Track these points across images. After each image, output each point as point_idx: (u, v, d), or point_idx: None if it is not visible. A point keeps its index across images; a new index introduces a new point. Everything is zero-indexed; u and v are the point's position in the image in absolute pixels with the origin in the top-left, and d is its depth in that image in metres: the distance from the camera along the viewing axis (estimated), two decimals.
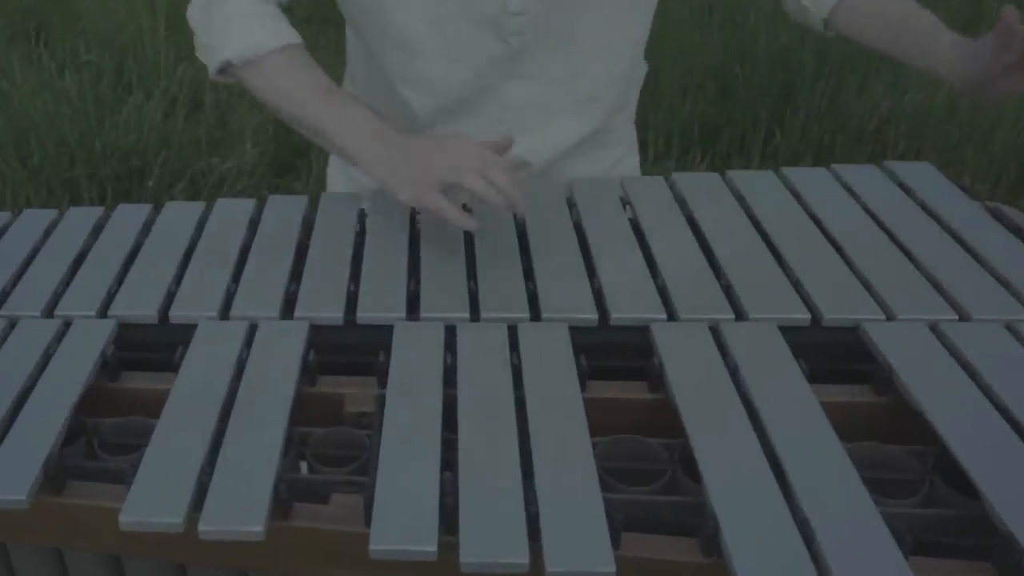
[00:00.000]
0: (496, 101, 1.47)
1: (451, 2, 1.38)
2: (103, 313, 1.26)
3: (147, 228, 1.46)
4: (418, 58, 1.43)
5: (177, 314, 1.24)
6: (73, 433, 1.09)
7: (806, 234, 1.37)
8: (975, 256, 1.31)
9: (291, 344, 1.17)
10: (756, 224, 1.40)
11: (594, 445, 1.01)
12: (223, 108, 4.22)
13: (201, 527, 0.92)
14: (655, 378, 1.13)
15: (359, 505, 0.95)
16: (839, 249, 1.33)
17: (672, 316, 1.20)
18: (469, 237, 1.37)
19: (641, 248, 1.35)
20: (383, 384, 1.11)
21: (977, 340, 1.14)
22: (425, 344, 1.16)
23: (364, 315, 1.22)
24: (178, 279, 1.32)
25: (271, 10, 1.39)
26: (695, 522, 0.93)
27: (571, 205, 1.46)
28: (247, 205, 1.49)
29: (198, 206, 1.50)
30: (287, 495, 0.97)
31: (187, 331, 1.20)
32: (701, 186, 1.50)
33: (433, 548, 0.88)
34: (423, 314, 1.22)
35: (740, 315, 1.20)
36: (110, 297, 1.28)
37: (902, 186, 1.49)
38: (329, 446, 1.08)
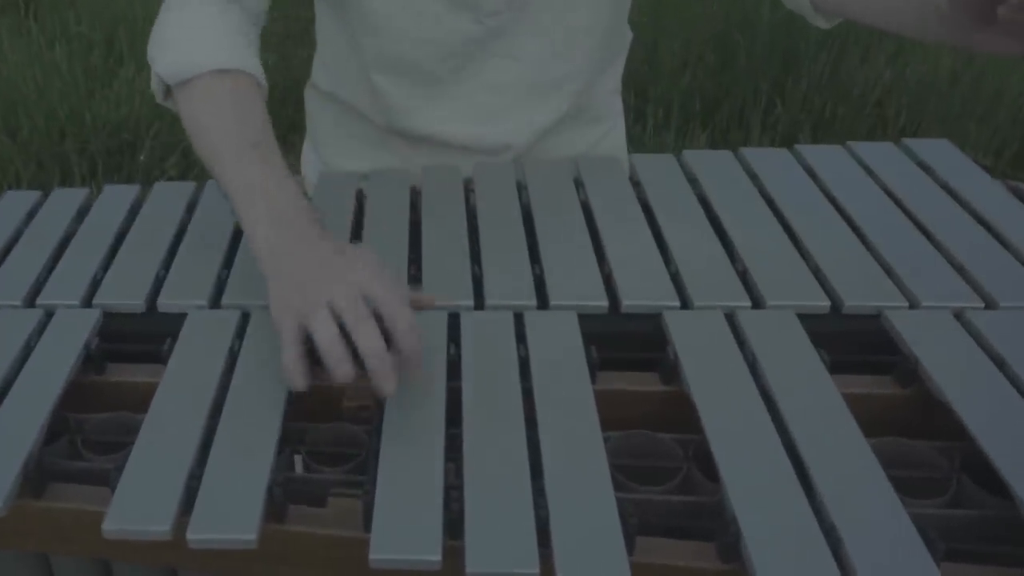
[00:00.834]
0: (474, 82, 1.41)
1: None
2: (87, 302, 1.21)
3: (135, 211, 1.40)
4: (393, 42, 1.37)
5: (165, 303, 1.20)
6: (55, 430, 1.04)
7: (823, 215, 1.32)
8: (999, 239, 1.26)
9: None
10: (771, 205, 1.35)
11: (604, 441, 0.96)
12: None
13: (190, 535, 0.86)
14: (668, 369, 1.08)
15: (357, 509, 0.91)
16: (858, 231, 1.28)
17: (686, 303, 1.15)
18: (472, 218, 1.33)
19: (652, 231, 1.30)
20: None
21: (1005, 329, 1.10)
22: (427, 334, 1.10)
23: None
24: (167, 265, 1.27)
25: (226, 22, 1.22)
26: (713, 525, 0.88)
27: (578, 184, 1.41)
28: None
29: (188, 187, 1.45)
30: (282, 498, 0.92)
31: (176, 321, 1.15)
32: (713, 164, 1.45)
33: (437, 557, 0.84)
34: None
35: (757, 302, 1.15)
36: (95, 285, 1.23)
37: (921, 164, 1.45)
38: (326, 443, 1.03)
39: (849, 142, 1.51)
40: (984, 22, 1.02)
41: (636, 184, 1.41)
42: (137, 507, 0.89)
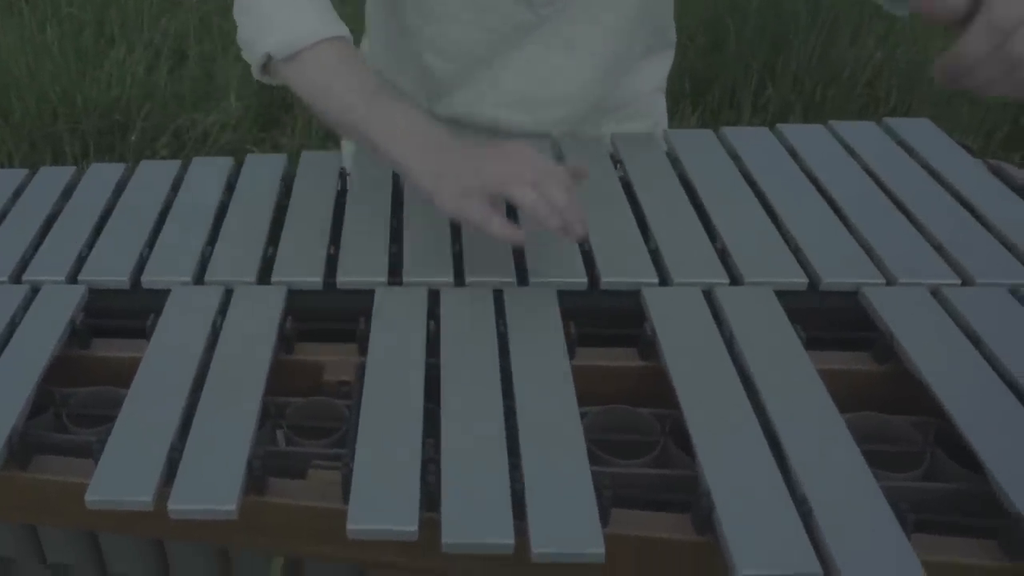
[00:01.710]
0: (521, 69, 1.43)
1: None
2: (73, 278, 1.22)
3: (120, 188, 1.42)
4: (443, 22, 1.39)
5: (150, 279, 1.21)
6: (41, 404, 1.05)
7: (803, 194, 1.33)
8: (978, 217, 1.27)
9: (268, 310, 1.14)
10: (751, 183, 1.36)
11: (582, 415, 0.98)
12: (207, 61, 4.18)
13: (171, 506, 0.88)
14: (646, 345, 1.09)
15: (337, 480, 0.92)
16: (837, 210, 1.29)
17: (664, 280, 1.17)
18: None
19: (632, 208, 1.31)
20: (364, 352, 1.07)
21: (981, 305, 1.11)
22: (407, 310, 1.12)
23: (344, 279, 1.18)
24: (151, 242, 1.28)
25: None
26: (687, 498, 0.90)
27: (560, 163, 1.41)
28: (224, 164, 1.45)
29: (173, 165, 1.47)
30: (261, 470, 0.93)
31: (160, 297, 1.17)
32: (694, 143, 1.46)
33: (414, 528, 0.85)
34: (406, 278, 1.18)
35: (735, 279, 1.16)
36: (80, 261, 1.25)
37: (902, 144, 1.45)
38: (307, 417, 1.05)
39: (831, 121, 1.52)
40: None
41: (618, 163, 1.42)
42: (119, 478, 0.91)
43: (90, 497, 0.89)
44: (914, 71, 3.88)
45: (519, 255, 1.21)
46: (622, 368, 1.10)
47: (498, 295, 1.14)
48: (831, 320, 1.13)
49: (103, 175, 1.45)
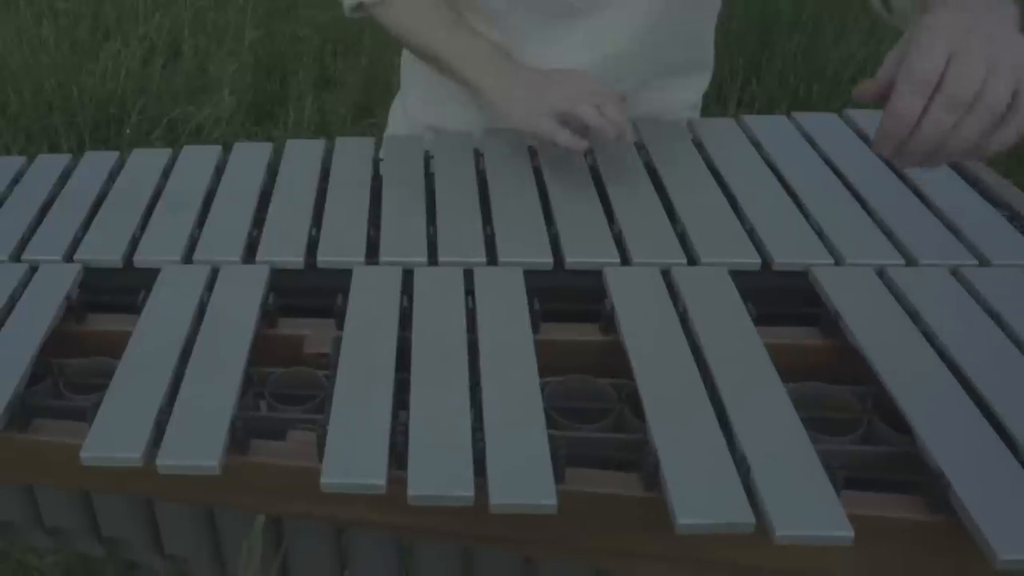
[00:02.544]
0: (553, 52, 1.48)
1: None
2: (69, 257, 1.28)
3: (113, 175, 1.47)
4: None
5: (141, 258, 1.27)
6: (40, 373, 1.12)
7: (763, 181, 1.40)
8: (927, 204, 1.33)
9: (252, 287, 1.19)
10: (714, 171, 1.42)
11: (545, 385, 1.05)
12: (201, 56, 4.22)
13: (160, 461, 0.95)
14: (606, 320, 1.16)
15: (314, 442, 0.99)
16: (794, 196, 1.35)
17: (626, 261, 1.23)
18: (430, 184, 1.40)
19: (599, 194, 1.37)
20: (341, 326, 1.13)
21: (922, 284, 1.18)
22: (383, 287, 1.18)
23: (324, 259, 1.24)
24: (143, 224, 1.34)
25: None
26: (637, 458, 0.96)
27: (532, 153, 1.48)
28: (213, 152, 1.51)
29: (164, 154, 1.52)
30: (243, 432, 1.00)
31: (151, 275, 1.23)
32: (663, 133, 1.53)
33: (382, 482, 0.91)
34: (382, 258, 1.24)
35: (692, 260, 1.23)
36: (76, 242, 1.30)
37: (861, 135, 1.52)
38: (288, 385, 1.11)
39: (793, 112, 1.58)
40: None
41: (586, 152, 1.48)
42: (111, 438, 0.98)
43: (85, 454, 0.96)
44: None
45: (489, 238, 1.27)
46: (584, 342, 1.16)
47: (468, 274, 1.21)
48: (782, 298, 1.20)
49: (97, 162, 1.51)
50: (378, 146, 1.52)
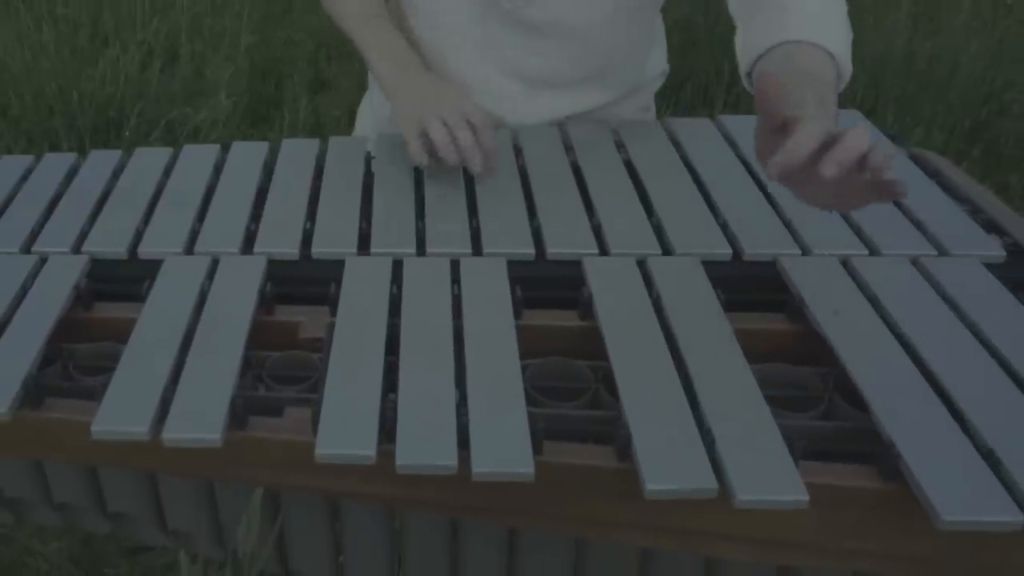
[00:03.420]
0: (503, 59, 1.54)
1: None
2: (77, 249, 1.34)
3: (117, 172, 1.54)
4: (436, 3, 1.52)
5: (145, 250, 1.33)
6: (50, 357, 1.18)
7: (735, 176, 1.46)
8: None
9: (250, 277, 1.26)
10: (689, 167, 1.49)
11: (526, 367, 1.11)
12: (198, 60, 4.28)
13: (165, 435, 1.02)
14: (585, 307, 1.22)
15: (309, 418, 1.05)
16: (765, 190, 1.42)
17: (604, 251, 1.30)
18: (420, 179, 1.47)
19: (580, 189, 1.43)
20: (334, 313, 1.20)
21: (884, 273, 1.25)
22: (374, 277, 1.25)
23: (318, 250, 1.31)
24: (146, 218, 1.40)
25: None
26: (611, 432, 1.03)
27: (517, 151, 1.54)
28: (212, 151, 1.57)
29: (166, 152, 1.59)
30: (243, 409, 1.06)
31: (154, 266, 1.29)
32: (641, 132, 1.59)
33: (372, 452, 0.98)
34: (373, 250, 1.31)
35: (667, 250, 1.30)
36: (83, 235, 1.37)
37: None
38: (284, 368, 1.17)
39: None
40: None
41: (569, 149, 1.55)
42: (120, 413, 1.04)
43: (96, 428, 1.03)
44: (880, 68, 4.00)
45: (475, 230, 1.34)
46: (563, 327, 1.23)
47: (455, 264, 1.27)
48: (752, 286, 1.26)
49: (102, 160, 1.57)
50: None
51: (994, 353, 1.11)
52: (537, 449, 1.00)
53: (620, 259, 1.28)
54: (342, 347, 1.13)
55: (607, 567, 1.13)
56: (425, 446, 0.99)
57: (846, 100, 3.88)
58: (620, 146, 1.55)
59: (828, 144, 1.06)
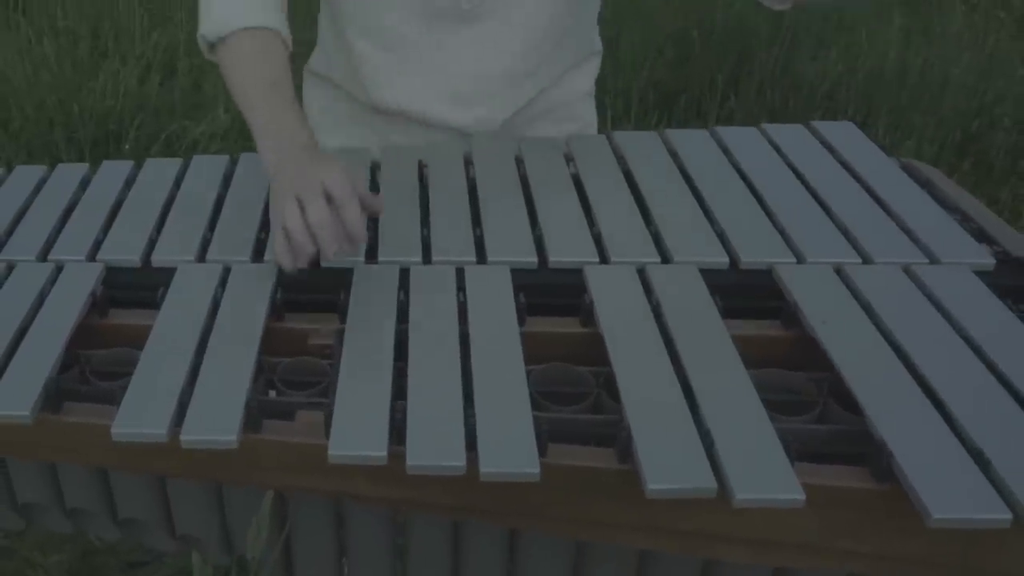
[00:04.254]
0: (450, 61, 1.55)
1: None
2: (92, 257, 1.37)
3: (130, 182, 1.57)
4: (376, 6, 1.52)
5: (159, 258, 1.36)
6: (68, 363, 1.21)
7: (732, 186, 1.49)
8: (883, 206, 1.43)
9: (261, 284, 1.29)
10: (687, 178, 1.52)
11: (530, 372, 1.14)
12: (196, 73, 4.30)
13: (183, 437, 1.05)
14: (586, 314, 1.25)
15: (321, 421, 1.08)
16: (761, 200, 1.45)
17: (604, 259, 1.33)
18: (425, 188, 1.50)
19: (581, 200, 1.46)
20: (343, 320, 1.23)
21: (876, 281, 1.27)
22: (381, 284, 1.28)
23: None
24: (159, 227, 1.43)
25: None
26: (613, 434, 1.06)
27: (519, 162, 1.58)
28: (221, 162, 1.60)
29: (176, 162, 1.62)
30: (257, 413, 1.10)
31: (168, 273, 1.32)
32: (640, 143, 1.62)
33: (383, 454, 1.02)
34: (380, 258, 1.33)
35: (666, 259, 1.33)
36: (98, 243, 1.40)
37: (825, 144, 1.61)
38: (295, 373, 1.20)
39: (763, 124, 1.68)
40: None
41: (570, 160, 1.58)
42: (139, 416, 1.08)
43: (115, 430, 1.06)
44: (872, 82, 4.04)
45: (479, 239, 1.37)
46: (565, 334, 1.26)
47: (460, 272, 1.30)
48: (748, 293, 1.29)
49: (115, 171, 1.60)
50: None
51: (984, 358, 1.14)
52: (542, 451, 1.03)
53: (620, 267, 1.31)
54: (352, 353, 1.16)
55: (606, 568, 1.16)
56: (434, 448, 1.02)
57: (838, 112, 3.95)
58: (618, 156, 1.58)
59: None
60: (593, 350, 1.20)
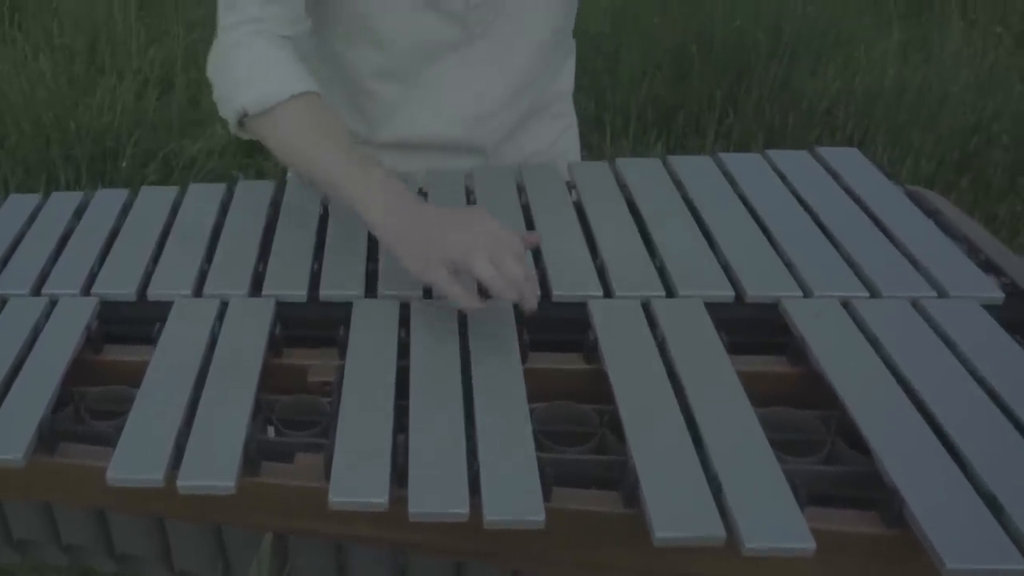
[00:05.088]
0: (447, 86, 1.55)
1: None
2: (86, 291, 1.36)
3: (125, 211, 1.55)
4: (380, 45, 1.51)
5: (154, 292, 1.34)
6: (62, 401, 1.19)
7: (736, 216, 1.47)
8: (890, 237, 1.41)
9: (259, 319, 1.27)
10: (691, 207, 1.50)
11: (533, 410, 1.13)
12: (194, 88, 4.29)
13: (180, 482, 1.03)
14: (590, 350, 1.24)
15: (320, 464, 1.06)
16: (766, 230, 1.43)
17: (608, 293, 1.31)
18: None
19: (583, 230, 1.45)
20: (343, 355, 1.21)
21: (884, 315, 1.25)
22: (382, 320, 1.26)
23: (326, 292, 1.32)
24: (155, 259, 1.41)
25: (287, 55, 1.39)
26: (618, 477, 1.05)
27: (520, 189, 1.56)
28: (218, 190, 1.59)
29: (172, 191, 1.60)
30: (256, 455, 1.08)
31: (164, 308, 1.30)
32: (642, 171, 1.60)
33: (384, 499, 1.00)
34: (380, 292, 1.32)
35: (670, 292, 1.31)
36: (92, 276, 1.38)
37: (829, 171, 1.59)
38: (294, 412, 1.19)
39: (767, 150, 1.66)
40: None
41: (572, 188, 1.57)
42: (135, 459, 1.06)
43: (111, 475, 1.04)
44: (871, 99, 4.03)
45: None
46: (569, 370, 1.24)
47: None
48: (754, 328, 1.27)
49: (110, 199, 1.58)
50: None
51: (994, 397, 1.12)
52: (547, 496, 1.01)
53: (625, 301, 1.29)
54: (352, 391, 1.15)
55: None
56: (437, 494, 1.00)
57: (837, 129, 3.94)
58: (622, 185, 1.56)
59: None
60: (597, 387, 1.18)
